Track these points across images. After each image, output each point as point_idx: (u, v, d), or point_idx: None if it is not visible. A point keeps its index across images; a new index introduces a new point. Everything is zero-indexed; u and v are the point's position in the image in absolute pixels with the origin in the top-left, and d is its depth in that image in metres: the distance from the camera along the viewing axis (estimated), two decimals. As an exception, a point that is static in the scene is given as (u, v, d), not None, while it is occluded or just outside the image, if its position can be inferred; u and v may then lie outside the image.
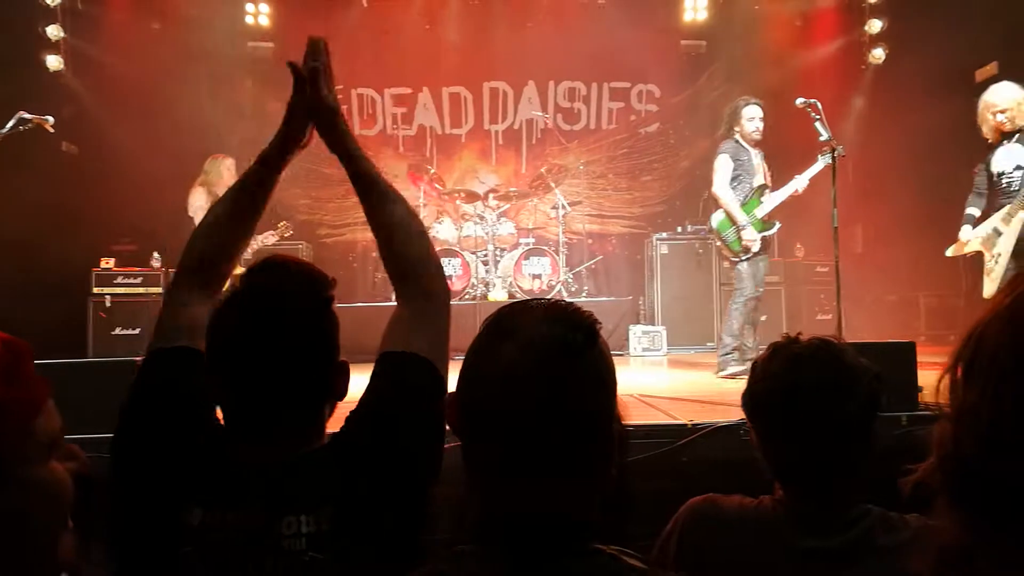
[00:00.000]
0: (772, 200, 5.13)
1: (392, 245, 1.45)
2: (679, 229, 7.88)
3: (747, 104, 5.26)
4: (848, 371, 1.47)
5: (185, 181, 6.16)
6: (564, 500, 0.99)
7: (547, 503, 0.98)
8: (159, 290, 6.74)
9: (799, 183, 5.12)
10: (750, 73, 8.53)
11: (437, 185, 7.60)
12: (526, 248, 7.48)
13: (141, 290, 6.84)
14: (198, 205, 5.74)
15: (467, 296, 7.16)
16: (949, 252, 4.88)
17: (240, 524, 1.14)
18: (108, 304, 6.78)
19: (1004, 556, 0.58)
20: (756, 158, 5.23)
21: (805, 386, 1.45)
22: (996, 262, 4.51)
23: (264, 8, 8.40)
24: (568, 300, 1.12)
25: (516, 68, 8.66)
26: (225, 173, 5.86)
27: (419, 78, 8.70)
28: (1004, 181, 4.56)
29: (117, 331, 6.73)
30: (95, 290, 6.81)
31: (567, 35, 8.33)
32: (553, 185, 7.58)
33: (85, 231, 6.82)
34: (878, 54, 8.29)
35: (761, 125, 5.21)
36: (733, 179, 5.14)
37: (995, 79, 6.50)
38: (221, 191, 5.88)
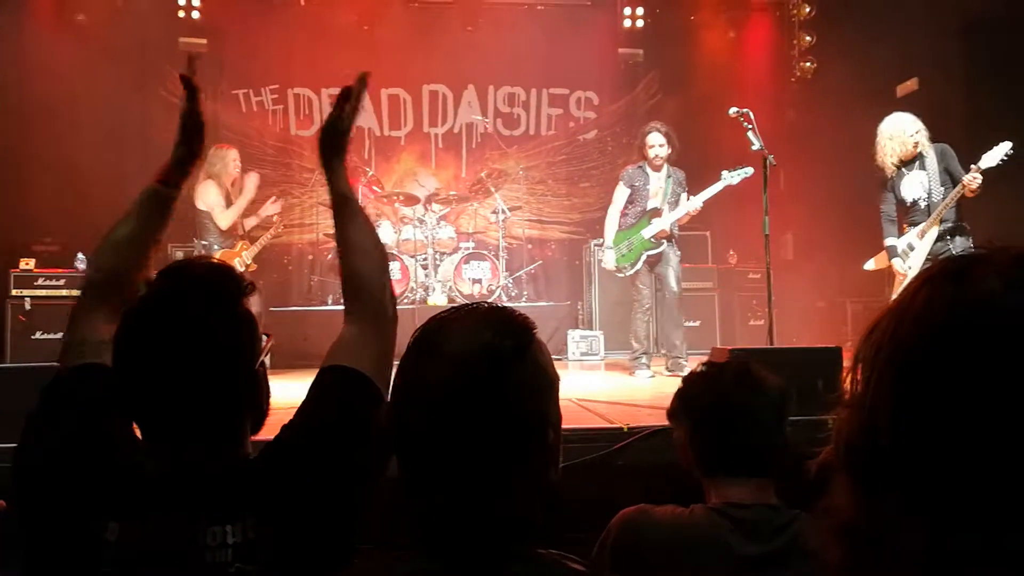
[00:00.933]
0: (663, 221, 5.57)
1: (351, 262, 1.46)
2: (617, 235, 7.97)
3: (651, 131, 5.70)
4: (762, 393, 1.64)
5: (112, 178, 5.95)
6: (502, 505, 0.99)
7: (484, 508, 0.98)
8: (83, 292, 6.48)
9: (693, 204, 5.56)
10: (685, 82, 8.72)
11: (375, 188, 7.52)
12: (466, 252, 7.46)
13: (64, 292, 6.55)
14: (212, 200, 5.61)
15: (406, 300, 7.10)
16: (867, 266, 5.12)
17: (161, 537, 1.10)
18: (28, 307, 6.49)
19: (886, 525, 0.63)
20: (658, 181, 5.68)
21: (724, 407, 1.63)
22: (910, 274, 4.75)
23: (196, 2, 8.16)
24: (503, 305, 1.12)
25: (456, 72, 8.64)
26: (231, 164, 5.75)
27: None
28: (922, 204, 4.78)
29: (38, 335, 6.44)
30: (14, 292, 6.51)
31: (507, 40, 8.35)
32: (493, 190, 7.58)
33: (2, 230, 6.52)
34: (807, 67, 8.55)
35: (663, 151, 5.62)
36: (629, 202, 5.70)
37: (915, 94, 6.81)
38: (228, 181, 5.82)
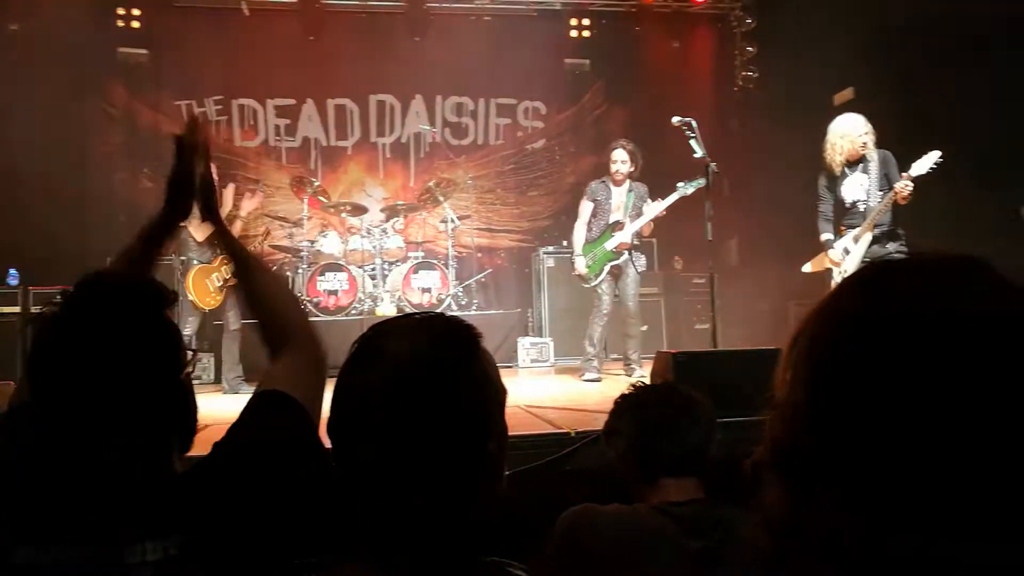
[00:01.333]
0: (624, 234, 5.81)
1: (269, 318, 1.44)
2: (565, 243, 8.02)
3: (615, 148, 5.94)
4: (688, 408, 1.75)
5: (47, 190, 5.78)
6: (445, 514, 0.99)
7: (426, 518, 0.98)
8: (16, 309, 6.26)
9: (650, 214, 5.79)
10: (631, 92, 8.85)
11: (321, 198, 7.45)
12: (415, 262, 7.44)
13: (-5, 308, 6.33)
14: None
15: (353, 311, 7.04)
16: (806, 268, 5.23)
17: (77, 558, 1.07)
18: (-44, 323, 6.26)
19: (810, 520, 0.65)
20: (620, 196, 5.91)
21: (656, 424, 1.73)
22: (842, 277, 4.83)
23: (135, 12, 8.00)
24: (447, 314, 1.12)
25: (403, 82, 8.63)
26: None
27: (303, 89, 8.53)
28: (860, 207, 4.87)
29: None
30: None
31: (454, 50, 8.37)
32: (442, 199, 7.58)
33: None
34: (750, 77, 8.75)
35: (624, 167, 5.85)
36: (593, 215, 5.95)
37: (851, 103, 7.01)
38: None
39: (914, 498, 0.60)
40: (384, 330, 1.06)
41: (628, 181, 5.91)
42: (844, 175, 4.91)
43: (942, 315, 0.63)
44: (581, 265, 5.94)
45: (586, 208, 6.03)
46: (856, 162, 4.88)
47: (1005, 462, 0.59)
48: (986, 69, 5.70)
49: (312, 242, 7.33)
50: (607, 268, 5.85)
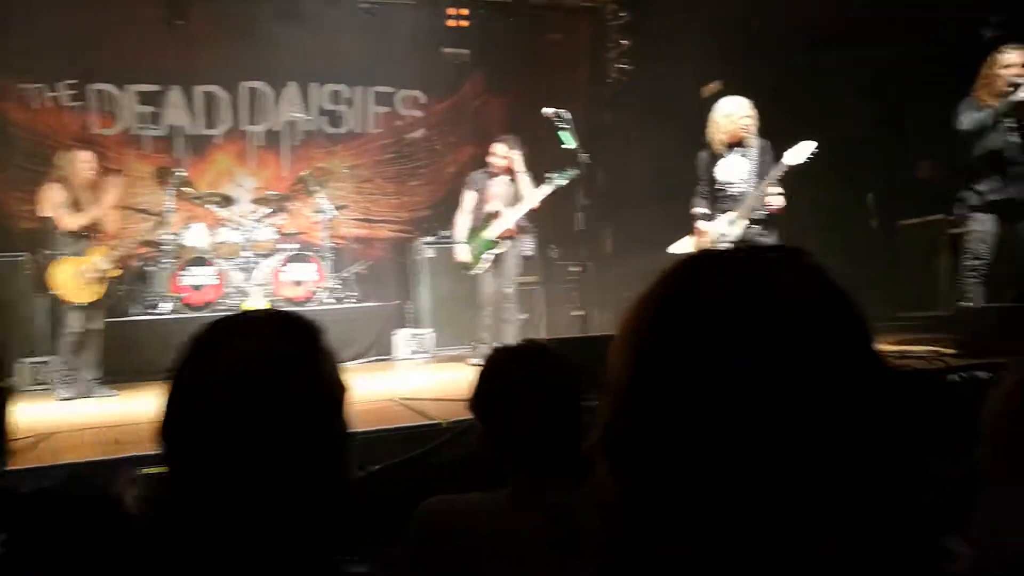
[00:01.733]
0: (503, 223, 5.94)
1: None
2: (444, 233, 7.99)
3: (497, 141, 6.14)
4: (552, 368, 1.66)
5: None
6: (283, 515, 0.96)
7: (264, 519, 0.95)
8: None
9: (530, 201, 5.92)
10: (510, 83, 8.89)
11: (187, 188, 7.09)
12: (288, 254, 7.21)
13: None
14: (57, 201, 5.26)
15: (221, 307, 6.77)
16: (672, 249, 5.24)
17: None
18: None
19: (631, 500, 0.67)
20: (500, 186, 6.04)
21: (518, 383, 1.64)
22: None
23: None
24: (287, 310, 1.10)
25: (276, 68, 8.32)
26: (81, 166, 5.36)
27: (168, 75, 8.08)
28: (729, 191, 4.93)
29: None
30: None
31: (329, 37, 8.16)
32: (317, 189, 7.38)
33: None
34: (624, 69, 8.96)
35: (501, 161, 6.01)
36: (475, 204, 6.08)
37: (719, 95, 7.30)
38: (78, 183, 5.27)
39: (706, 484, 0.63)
40: (221, 327, 1.03)
41: (510, 172, 6.03)
42: (723, 156, 4.94)
43: (747, 303, 0.65)
44: (464, 253, 6.08)
45: (469, 198, 6.16)
46: (737, 144, 4.91)
47: (795, 447, 0.62)
48: (847, 66, 6.09)
49: (176, 235, 6.98)
50: (488, 256, 5.97)
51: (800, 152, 4.69)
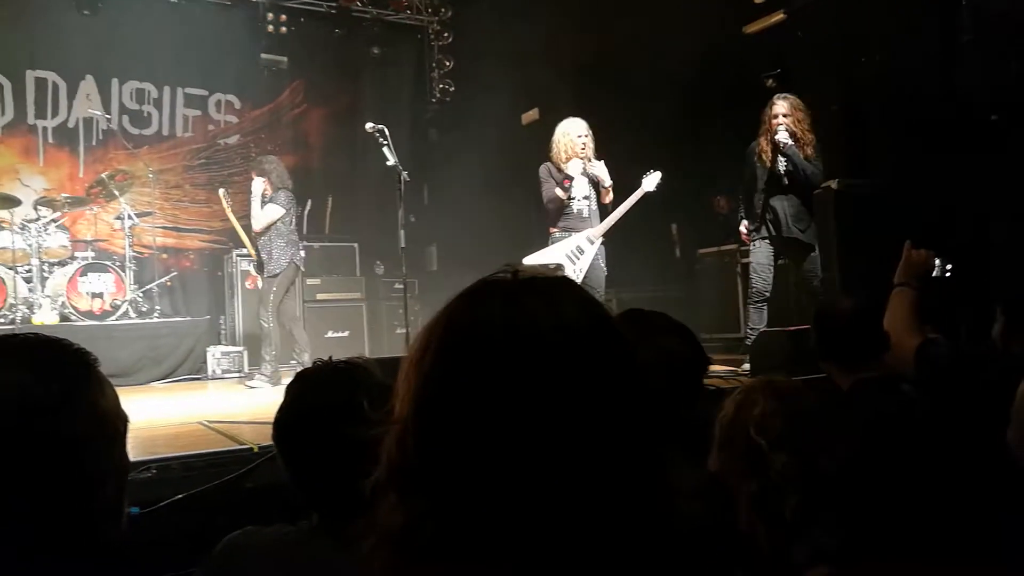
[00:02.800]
0: None
1: None
2: (260, 245, 7.68)
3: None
4: (368, 390, 1.46)
5: None
6: (44, 567, 0.88)
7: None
8: None
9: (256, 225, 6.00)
10: (330, 94, 8.72)
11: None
12: (83, 263, 6.60)
13: None
14: None
15: (3, 320, 6.07)
16: (528, 260, 5.24)
17: None
18: None
19: (416, 528, 0.67)
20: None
21: (322, 409, 1.43)
22: (578, 276, 4.94)
23: None
24: (51, 336, 0.97)
25: (70, 59, 7.62)
26: None
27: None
28: (577, 207, 5.11)
29: None
30: None
31: (134, 31, 7.60)
32: (117, 193, 6.82)
33: None
34: (446, 89, 9.06)
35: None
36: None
37: (537, 123, 7.57)
38: None
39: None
40: None
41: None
42: (567, 175, 5.09)
43: (519, 331, 0.68)
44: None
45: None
46: (580, 160, 5.08)
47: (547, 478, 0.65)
48: (657, 97, 6.50)
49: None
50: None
51: (653, 180, 5.09)
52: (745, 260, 6.13)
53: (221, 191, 6.58)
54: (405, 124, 8.42)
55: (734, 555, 1.31)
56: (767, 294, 5.04)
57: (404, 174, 5.01)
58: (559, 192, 5.10)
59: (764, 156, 4.96)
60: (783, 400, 1.62)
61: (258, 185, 5.94)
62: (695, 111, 6.81)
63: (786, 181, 4.92)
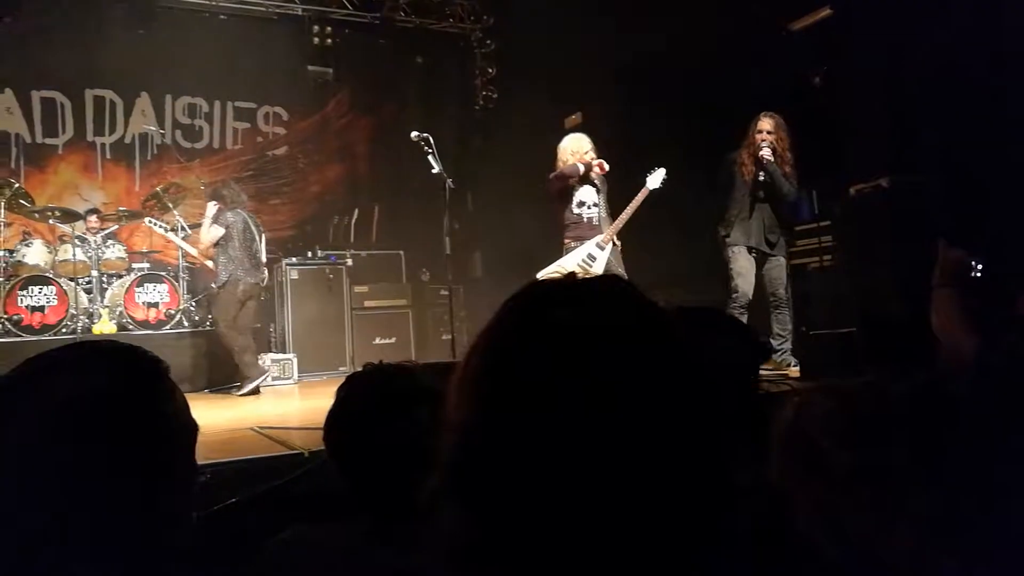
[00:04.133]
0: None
1: None
2: (309, 254, 7.81)
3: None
4: (416, 393, 1.48)
5: None
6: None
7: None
8: None
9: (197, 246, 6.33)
10: (376, 104, 8.84)
11: (24, 201, 6.56)
12: (139, 274, 6.80)
13: None
14: None
15: (64, 329, 6.28)
16: (541, 274, 5.42)
17: None
18: None
19: (495, 540, 0.65)
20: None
21: (372, 411, 1.45)
22: None
23: None
24: (124, 343, 0.99)
25: (126, 77, 7.87)
26: None
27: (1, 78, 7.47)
28: (586, 216, 5.25)
29: None
30: None
31: (186, 48, 7.82)
32: (171, 205, 7.02)
33: None
34: (490, 97, 9.11)
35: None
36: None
37: (580, 127, 7.56)
38: None
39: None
40: (40, 366, 0.92)
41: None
42: (576, 186, 5.26)
43: (580, 333, 0.67)
44: None
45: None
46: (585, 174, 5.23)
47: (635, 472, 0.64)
48: (695, 100, 6.44)
49: (11, 252, 6.43)
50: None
51: (657, 177, 5.16)
52: (795, 261, 6.03)
53: (147, 220, 6.73)
54: (450, 131, 8.49)
55: (787, 557, 1.30)
56: (750, 298, 5.13)
57: (449, 182, 5.06)
58: (571, 170, 5.18)
59: (745, 168, 5.16)
60: (844, 401, 1.59)
61: (211, 208, 6.12)
62: (736, 111, 6.73)
63: (762, 194, 5.14)
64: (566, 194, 5.28)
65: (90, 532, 0.87)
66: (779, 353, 5.08)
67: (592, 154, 5.25)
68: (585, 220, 5.27)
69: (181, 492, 0.98)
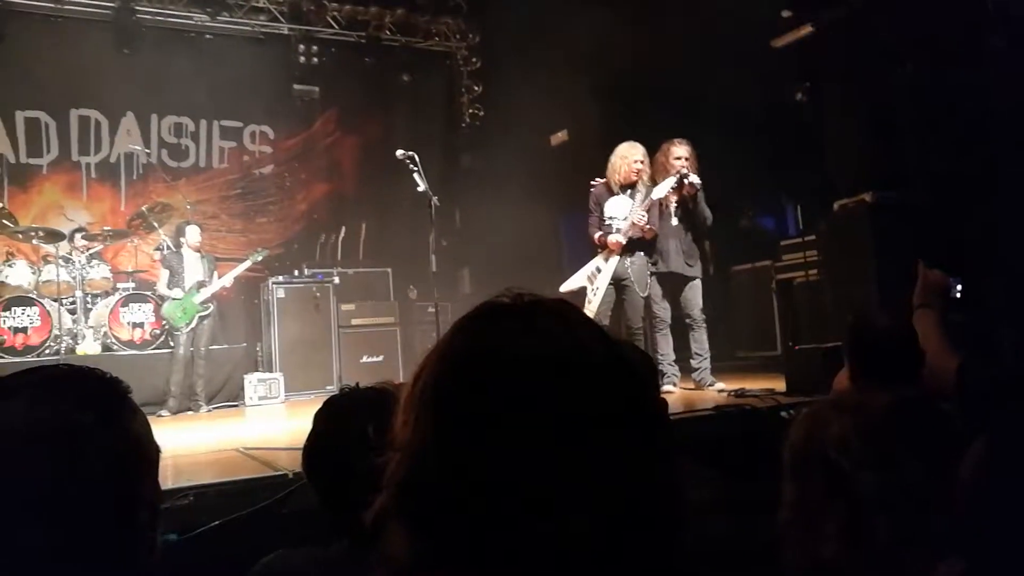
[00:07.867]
0: (209, 289, 6.61)
1: None
2: (296, 273, 7.78)
3: (187, 224, 6.71)
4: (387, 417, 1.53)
5: None
6: None
7: None
8: None
9: (227, 279, 6.86)
10: (362, 122, 8.84)
11: (7, 221, 6.51)
12: (124, 294, 6.75)
13: None
14: None
15: (48, 350, 6.22)
16: (564, 288, 5.30)
17: None
18: None
19: (437, 563, 0.65)
20: (195, 263, 6.67)
21: (347, 435, 1.44)
22: (595, 294, 5.05)
23: None
24: (85, 366, 0.98)
25: (111, 96, 7.85)
26: None
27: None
28: (614, 225, 5.16)
29: None
30: None
31: (171, 67, 7.81)
32: (157, 225, 6.98)
33: None
34: (476, 114, 9.15)
35: (196, 241, 6.70)
36: (172, 277, 6.53)
37: (565, 144, 7.60)
38: None
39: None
40: (9, 386, 0.91)
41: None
42: (614, 194, 5.20)
43: (524, 362, 0.67)
44: (168, 308, 6.46)
45: (164, 274, 6.59)
46: (629, 186, 5.19)
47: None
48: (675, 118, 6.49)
49: (-2, 272, 6.38)
50: (195, 319, 6.48)
51: (662, 188, 5.08)
52: (780, 276, 6.06)
53: (250, 259, 7.15)
54: (436, 149, 8.50)
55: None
56: (669, 321, 5.16)
57: (434, 199, 5.06)
58: (592, 231, 5.24)
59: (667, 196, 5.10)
60: (856, 417, 1.57)
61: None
62: (723, 128, 6.78)
63: (675, 221, 5.13)
64: (598, 208, 5.27)
65: (51, 560, 0.86)
66: (697, 372, 5.09)
67: (640, 166, 5.17)
68: (607, 224, 5.23)
69: (146, 514, 0.96)
